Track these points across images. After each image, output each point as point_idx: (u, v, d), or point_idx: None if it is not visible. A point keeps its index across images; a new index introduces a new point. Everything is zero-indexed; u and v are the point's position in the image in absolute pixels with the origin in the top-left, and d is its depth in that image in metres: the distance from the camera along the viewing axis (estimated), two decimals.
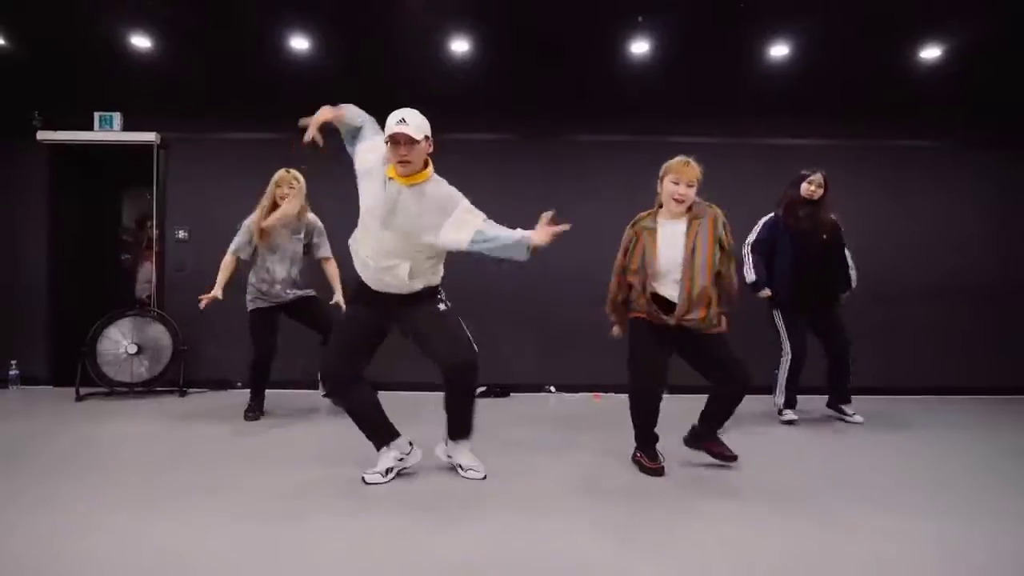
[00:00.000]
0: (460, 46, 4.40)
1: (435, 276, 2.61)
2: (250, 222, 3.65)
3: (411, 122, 2.33)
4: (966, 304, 4.76)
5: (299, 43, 4.37)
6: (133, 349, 4.30)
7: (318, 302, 3.83)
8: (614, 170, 4.77)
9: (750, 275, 3.62)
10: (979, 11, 3.96)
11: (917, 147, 4.85)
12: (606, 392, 4.66)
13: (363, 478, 2.52)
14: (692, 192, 2.61)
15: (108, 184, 5.52)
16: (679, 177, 2.60)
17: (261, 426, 3.56)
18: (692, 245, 2.57)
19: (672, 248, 2.61)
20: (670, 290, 2.61)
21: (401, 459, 2.59)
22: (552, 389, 4.77)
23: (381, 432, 2.58)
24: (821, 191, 3.56)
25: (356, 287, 2.61)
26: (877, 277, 4.34)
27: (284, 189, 3.62)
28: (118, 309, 4.41)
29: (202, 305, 3.47)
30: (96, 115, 4.67)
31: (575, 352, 4.73)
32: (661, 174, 2.69)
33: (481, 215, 2.43)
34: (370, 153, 2.46)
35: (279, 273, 3.66)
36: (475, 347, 2.56)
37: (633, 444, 2.81)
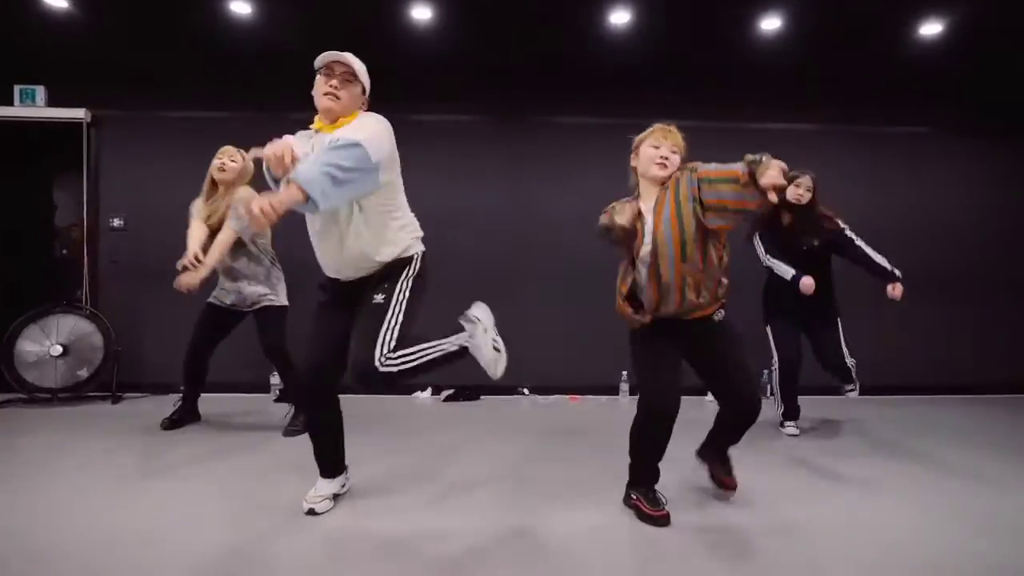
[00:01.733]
0: (422, 13, 4.02)
1: (404, 234, 2.09)
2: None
3: (354, 62, 2.01)
4: (948, 295, 4.58)
5: (242, 7, 3.94)
6: (57, 351, 3.84)
7: (273, 313, 3.26)
8: (589, 154, 4.46)
9: (787, 275, 3.21)
10: None
11: (899, 133, 4.67)
12: (583, 395, 4.38)
13: (312, 509, 2.12)
14: (676, 159, 2.14)
15: (32, 167, 4.99)
16: (660, 141, 2.13)
17: (195, 435, 3.17)
18: (657, 222, 2.08)
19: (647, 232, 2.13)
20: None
21: (343, 484, 2.29)
22: (525, 391, 4.47)
23: (333, 461, 2.22)
24: (809, 195, 3.24)
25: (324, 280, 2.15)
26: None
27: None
28: (41, 306, 3.94)
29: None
30: (16, 88, 4.20)
31: (549, 351, 4.43)
32: (635, 145, 2.22)
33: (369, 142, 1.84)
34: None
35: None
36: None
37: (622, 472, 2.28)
